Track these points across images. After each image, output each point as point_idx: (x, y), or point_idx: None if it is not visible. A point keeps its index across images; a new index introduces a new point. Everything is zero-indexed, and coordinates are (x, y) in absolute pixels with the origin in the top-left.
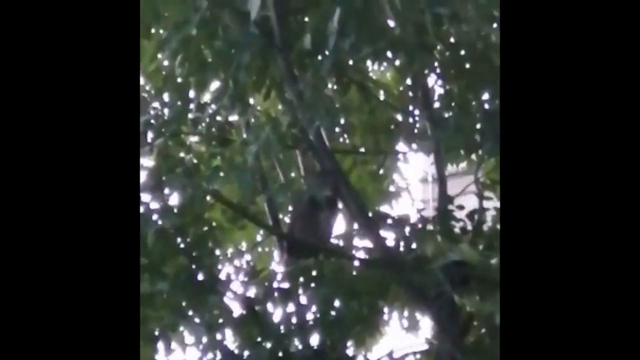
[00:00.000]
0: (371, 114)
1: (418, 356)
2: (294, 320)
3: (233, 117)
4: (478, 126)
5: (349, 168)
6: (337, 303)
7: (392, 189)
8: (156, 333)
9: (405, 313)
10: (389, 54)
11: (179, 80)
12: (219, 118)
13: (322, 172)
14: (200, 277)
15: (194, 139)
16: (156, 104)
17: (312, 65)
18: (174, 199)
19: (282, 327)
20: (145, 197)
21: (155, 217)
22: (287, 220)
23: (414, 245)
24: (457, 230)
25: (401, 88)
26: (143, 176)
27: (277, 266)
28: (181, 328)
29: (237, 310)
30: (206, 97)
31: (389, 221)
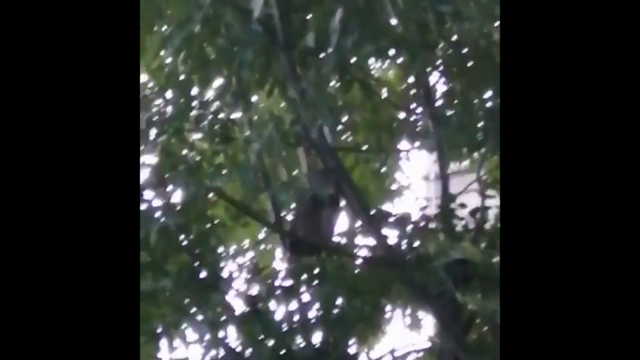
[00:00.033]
0: (373, 112)
1: (420, 354)
2: (296, 318)
3: (236, 115)
4: (480, 124)
5: (351, 166)
6: (339, 301)
7: (394, 187)
8: (159, 330)
9: (408, 311)
10: (392, 52)
11: (182, 77)
12: (221, 115)
13: (325, 170)
14: (202, 274)
15: (196, 136)
16: (159, 101)
17: (314, 63)
18: (177, 197)
19: (284, 325)
20: (148, 194)
21: (158, 214)
22: (289, 218)
23: (416, 244)
24: (459, 228)
25: (403, 86)
26: (146, 173)
27: (280, 264)
28: (184, 325)
29: (239, 308)
30: (209, 95)
31: (391, 219)
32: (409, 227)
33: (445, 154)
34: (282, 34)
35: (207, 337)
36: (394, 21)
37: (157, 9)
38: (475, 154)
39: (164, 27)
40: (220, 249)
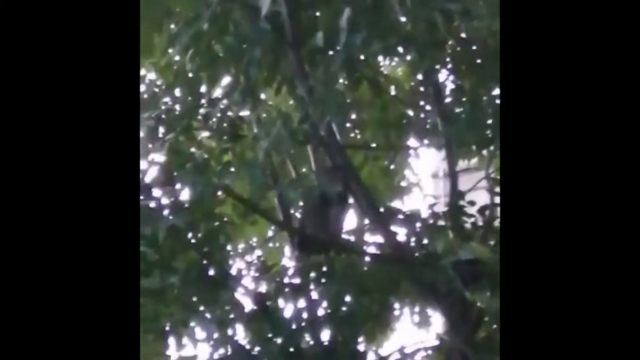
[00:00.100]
0: (382, 110)
1: (429, 352)
2: (304, 316)
3: (244, 113)
4: (489, 121)
5: (360, 163)
6: (348, 299)
7: (403, 184)
8: (167, 328)
9: (416, 309)
10: (400, 50)
11: (190, 75)
12: (230, 113)
13: (333, 167)
14: (211, 272)
15: (205, 134)
16: (167, 99)
17: (323, 60)
18: (185, 194)
19: (293, 323)
20: (156, 192)
21: (166, 212)
22: (298, 215)
23: (425, 241)
24: (468, 225)
25: (412, 83)
26: (154, 171)
27: (288, 262)
28: (192, 323)
29: (248, 305)
30: (217, 92)
31: (400, 217)
32: (418, 225)
33: (454, 151)
34: (290, 31)
35: (216, 335)
36: (402, 19)
37: (166, 7)
38: (484, 152)
39: (172, 25)
40: (229, 247)
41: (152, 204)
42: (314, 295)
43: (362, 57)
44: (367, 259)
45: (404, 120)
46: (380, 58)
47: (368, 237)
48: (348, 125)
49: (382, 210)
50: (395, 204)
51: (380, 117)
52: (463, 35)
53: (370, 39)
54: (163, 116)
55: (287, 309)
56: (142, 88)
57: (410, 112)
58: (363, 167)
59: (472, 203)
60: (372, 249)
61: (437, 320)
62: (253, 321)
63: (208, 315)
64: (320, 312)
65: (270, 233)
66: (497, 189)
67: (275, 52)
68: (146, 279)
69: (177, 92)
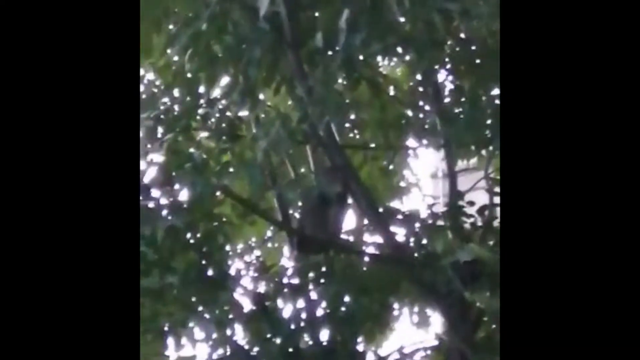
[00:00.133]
0: (381, 110)
1: (428, 352)
2: (304, 316)
3: (243, 113)
4: (488, 122)
5: (359, 164)
6: (347, 299)
7: (402, 184)
8: (166, 328)
9: (416, 309)
10: (399, 50)
11: (189, 75)
12: (228, 113)
13: (332, 167)
14: (210, 272)
15: (203, 134)
16: (166, 99)
17: (322, 61)
18: (184, 195)
19: (292, 323)
20: (155, 192)
21: (165, 212)
22: (297, 215)
23: (424, 241)
24: (467, 226)
25: (411, 83)
26: (153, 172)
27: (287, 262)
28: (191, 324)
29: (247, 305)
30: (216, 93)
31: (399, 217)
32: (417, 225)
33: (453, 151)
34: (289, 31)
35: (215, 335)
36: (401, 19)
37: (164, 7)
38: (483, 152)
39: (171, 25)
40: (228, 247)
41: (151, 204)
42: (313, 295)
43: (361, 57)
44: (366, 259)
45: (403, 121)
46: (379, 58)
47: (367, 237)
48: (347, 125)
49: (381, 210)
50: (395, 204)
51: (379, 117)
52: (462, 35)
53: (369, 39)
54: (162, 116)
55: (286, 309)
56: (141, 88)
57: (409, 112)
58: (362, 167)
59: (471, 203)
60: (371, 249)
61: (437, 321)
62: (252, 321)
63: (207, 316)
64: (319, 312)
65: (269, 233)
66: (496, 189)
67: (274, 52)
68: (145, 279)
69: (176, 92)
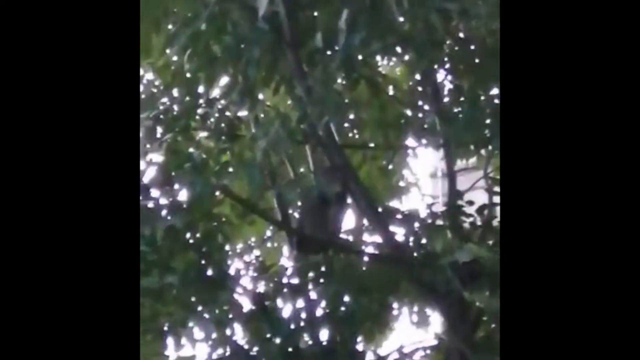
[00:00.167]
0: (380, 110)
1: (428, 352)
2: (303, 315)
3: (242, 113)
4: (487, 121)
5: (358, 163)
6: (346, 299)
7: (401, 184)
8: (165, 328)
9: (415, 309)
10: (399, 50)
11: (188, 75)
12: (228, 113)
13: (332, 167)
14: (209, 272)
15: (203, 134)
16: (165, 99)
17: (321, 60)
18: (183, 195)
19: (291, 323)
20: (154, 192)
21: (164, 212)
22: (296, 215)
23: (423, 241)
24: (466, 225)
25: (410, 83)
26: (152, 172)
27: (287, 262)
28: (191, 323)
29: (246, 305)
30: (215, 93)
31: (399, 216)
32: (416, 224)
33: (452, 151)
34: (288, 31)
35: (214, 335)
36: (400, 19)
37: (164, 7)
38: (483, 151)
39: (170, 25)
40: (227, 247)
41: (151, 204)
42: (313, 295)
43: (360, 57)
44: (366, 258)
45: (402, 120)
46: (378, 58)
47: (366, 237)
48: (346, 125)
49: (380, 210)
50: (394, 203)
51: (379, 117)
52: (461, 35)
53: (369, 39)
54: (161, 116)
55: (286, 309)
56: (140, 88)
57: (409, 112)
58: (361, 167)
59: (470, 203)
60: (370, 249)
61: (436, 320)
62: (251, 321)
63: (206, 315)
64: (319, 312)
65: (268, 233)
66: (496, 189)
67: (273, 52)
68: (145, 279)
69: (175, 92)
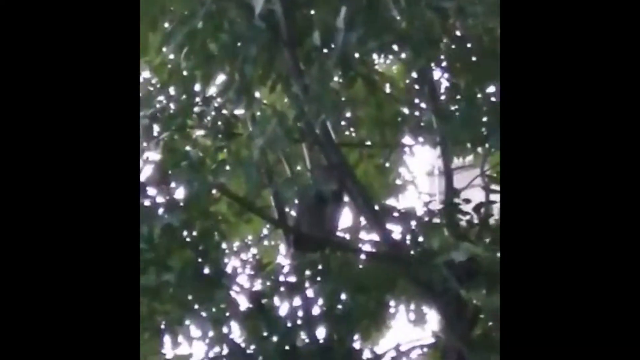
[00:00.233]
0: (377, 108)
1: (425, 350)
2: (300, 314)
3: (239, 111)
4: (484, 119)
5: (355, 161)
6: (343, 297)
7: (398, 182)
8: (162, 326)
9: (412, 307)
10: (395, 48)
11: (185, 73)
12: (224, 112)
13: (328, 165)
14: (206, 270)
15: (199, 132)
16: (162, 98)
17: (318, 58)
18: (180, 193)
19: (288, 321)
20: (151, 190)
21: (161, 211)
22: (293, 213)
23: (420, 239)
24: (463, 223)
25: (407, 81)
26: (149, 170)
27: (284, 260)
28: (187, 322)
29: (243, 304)
30: (212, 91)
31: (396, 215)
32: (413, 223)
33: (449, 149)
34: (285, 29)
35: (211, 333)
36: (397, 17)
37: (160, 5)
38: (479, 149)
39: (167, 24)
40: (224, 245)
41: (147, 203)
42: (310, 293)
43: (357, 55)
44: (363, 257)
45: (399, 118)
46: (375, 56)
47: (363, 235)
48: (343, 123)
49: (377, 208)
50: (391, 202)
51: (375, 115)
52: (458, 33)
53: (366, 37)
54: (158, 115)
55: (283, 307)
56: None
57: (406, 110)
58: (358, 165)
59: (467, 201)
60: (367, 247)
61: (433, 318)
62: (248, 319)
63: (203, 314)
64: (316, 310)
65: (265, 231)
66: (493, 187)
67: (270, 50)
68: (142, 277)
69: (172, 90)
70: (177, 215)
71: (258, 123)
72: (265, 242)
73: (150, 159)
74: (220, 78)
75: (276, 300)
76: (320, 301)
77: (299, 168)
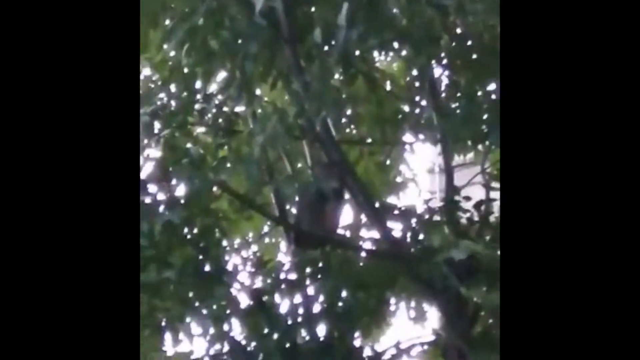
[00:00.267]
0: (378, 105)
1: (425, 347)
2: (301, 311)
3: (240, 108)
4: (485, 116)
5: (355, 159)
6: (344, 294)
7: (399, 179)
8: (163, 324)
9: (412, 304)
10: (396, 45)
11: (186, 70)
12: (225, 109)
13: (329, 163)
14: (207, 268)
15: (200, 129)
16: (162, 95)
17: (318, 56)
18: (181, 190)
19: (289, 318)
20: (152, 188)
21: (162, 208)
22: (294, 211)
23: (421, 236)
24: (463, 221)
25: (408, 79)
26: (150, 167)
27: (284, 257)
28: (188, 319)
29: (244, 301)
30: (213, 88)
31: (396, 212)
32: (414, 220)
33: (449, 146)
34: (286, 26)
35: (212, 330)
36: (398, 14)
37: (161, 2)
38: (480, 147)
39: (168, 20)
40: (225, 243)
41: (148, 200)
42: (310, 290)
43: (357, 53)
44: (363, 254)
45: (399, 116)
46: (375, 53)
47: (364, 232)
48: (344, 120)
49: (378, 205)
50: (391, 199)
51: (376, 112)
52: (458, 30)
53: (366, 34)
54: (159, 112)
55: (283, 305)
56: None
57: (406, 108)
58: (359, 162)
59: (467, 198)
60: (368, 245)
61: (433, 316)
62: (249, 317)
63: (204, 311)
64: (317, 307)
65: (266, 228)
66: (493, 184)
67: (270, 47)
68: (142, 274)
69: (173, 87)
70: (177, 213)
71: (259, 120)
72: (266, 240)
73: (151, 156)
74: (221, 75)
75: (277, 297)
76: (321, 298)
77: (299, 165)
